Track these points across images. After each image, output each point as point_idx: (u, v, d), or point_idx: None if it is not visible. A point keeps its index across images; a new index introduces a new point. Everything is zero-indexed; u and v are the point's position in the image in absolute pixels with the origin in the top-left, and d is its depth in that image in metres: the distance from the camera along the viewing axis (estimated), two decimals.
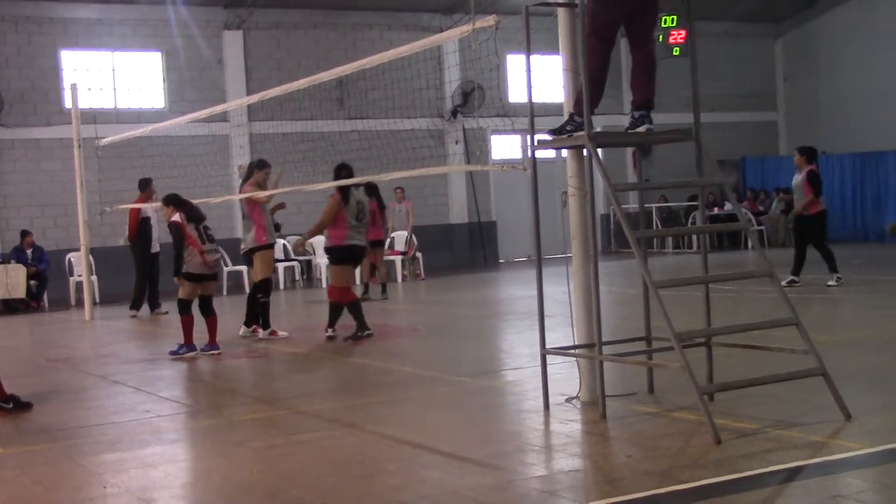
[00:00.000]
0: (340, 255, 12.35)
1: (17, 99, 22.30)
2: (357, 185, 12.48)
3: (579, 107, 7.36)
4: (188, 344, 11.62)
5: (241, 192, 13.19)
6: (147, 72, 23.82)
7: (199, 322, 11.76)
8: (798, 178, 15.37)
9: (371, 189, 17.80)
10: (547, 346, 7.71)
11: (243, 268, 20.95)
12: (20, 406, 8.56)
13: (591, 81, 7.21)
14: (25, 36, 22.58)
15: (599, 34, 7.35)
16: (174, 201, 11.96)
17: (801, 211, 15.28)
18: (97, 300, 18.89)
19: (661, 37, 20.62)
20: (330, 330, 12.33)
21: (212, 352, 11.64)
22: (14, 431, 7.98)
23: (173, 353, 11.62)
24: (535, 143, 7.80)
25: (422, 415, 7.88)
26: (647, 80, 7.60)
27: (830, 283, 15.00)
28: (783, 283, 14.91)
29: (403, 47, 9.65)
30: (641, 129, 7.50)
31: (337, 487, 5.81)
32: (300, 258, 22.56)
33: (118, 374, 10.75)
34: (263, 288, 12.79)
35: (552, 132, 7.49)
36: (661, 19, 21.03)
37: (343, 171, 12.49)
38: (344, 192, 12.25)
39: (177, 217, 11.73)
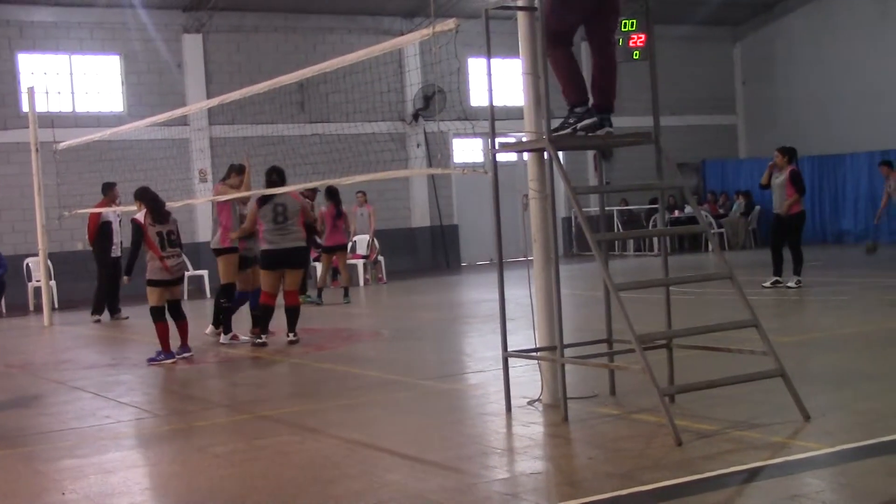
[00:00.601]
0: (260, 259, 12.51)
1: None
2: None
3: (573, 97, 7.42)
4: (166, 351, 11.49)
5: (214, 193, 13.10)
6: (105, 75, 23.61)
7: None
8: (779, 178, 15.45)
9: (331, 193, 17.78)
10: (509, 349, 7.72)
11: (205, 272, 20.93)
12: None
13: (566, 73, 7.24)
14: None
15: (558, 38, 7.38)
16: (141, 196, 11.84)
17: (785, 211, 15.35)
18: (56, 305, 18.70)
19: (620, 40, 20.84)
20: (262, 336, 12.38)
21: (184, 354, 11.59)
22: None
23: (151, 359, 11.49)
24: (496, 147, 7.83)
25: (384, 418, 7.87)
26: (608, 83, 7.64)
27: (790, 284, 15.12)
28: (767, 284, 15.15)
29: (364, 50, 9.63)
30: (601, 132, 7.54)
31: (299, 492, 5.80)
32: None
33: (77, 379, 10.65)
34: (226, 292, 12.71)
35: (556, 129, 7.43)
36: (620, 23, 21.24)
37: (272, 174, 12.52)
38: (263, 196, 12.30)
39: (139, 216, 11.65)
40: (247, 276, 12.90)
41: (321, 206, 18.13)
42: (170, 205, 12.74)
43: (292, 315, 12.37)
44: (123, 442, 7.61)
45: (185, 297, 19.42)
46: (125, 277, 11.69)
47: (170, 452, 7.12)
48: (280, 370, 10.96)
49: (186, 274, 20.00)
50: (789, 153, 15.66)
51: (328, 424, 7.58)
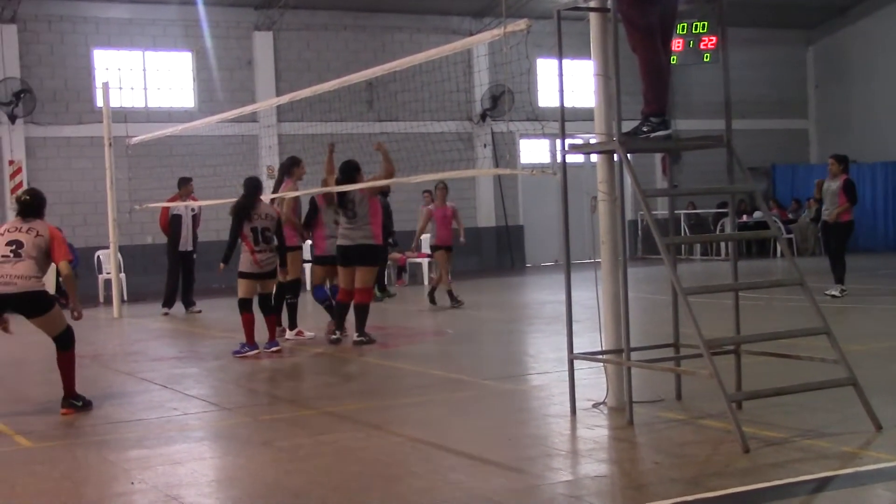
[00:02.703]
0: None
1: (50, 97, 22.46)
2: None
3: (652, 107, 7.35)
4: (250, 343, 11.65)
5: (280, 191, 13.15)
6: (178, 71, 23.95)
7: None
8: (832, 186, 15.28)
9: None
10: (574, 351, 7.69)
11: None
12: (87, 404, 8.60)
13: (655, 74, 7.19)
14: (58, 35, 22.75)
15: (641, 29, 7.29)
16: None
17: (834, 219, 15.18)
18: (125, 298, 18.99)
19: (691, 42, 20.62)
20: (337, 332, 12.36)
21: (272, 349, 11.70)
22: (43, 426, 8.03)
23: (236, 352, 11.65)
24: (566, 148, 7.79)
25: (448, 417, 7.88)
26: (665, 85, 7.56)
27: (834, 293, 14.86)
28: (834, 293, 14.91)
29: (434, 50, 9.64)
30: (661, 133, 7.45)
31: (363, 489, 5.81)
32: None
33: (146, 371, 10.81)
34: (292, 288, 12.81)
35: (627, 134, 7.38)
36: (692, 25, 20.98)
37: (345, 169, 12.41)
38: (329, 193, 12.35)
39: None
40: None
41: (429, 206, 17.83)
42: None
43: (360, 313, 12.18)
44: (190, 434, 7.70)
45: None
46: (221, 264, 11.94)
47: (235, 445, 7.19)
48: (345, 367, 11.01)
49: None
50: (843, 161, 15.49)
51: (392, 422, 7.60)
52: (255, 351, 11.57)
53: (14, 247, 8.41)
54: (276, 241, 11.79)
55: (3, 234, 8.53)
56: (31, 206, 8.77)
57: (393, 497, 5.62)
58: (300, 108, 20.49)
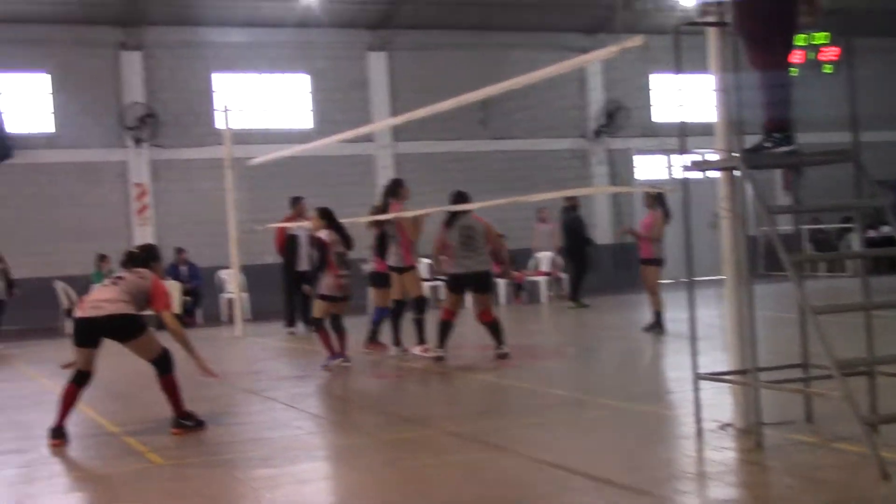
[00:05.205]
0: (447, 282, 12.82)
1: (172, 121, 23.09)
2: (465, 211, 12.48)
3: (774, 122, 7.23)
4: (333, 354, 12.27)
5: (389, 212, 13.25)
6: (295, 93, 24.40)
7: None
8: None
9: (660, 200, 14.89)
10: (698, 371, 7.56)
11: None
12: (198, 424, 8.64)
13: (775, 88, 7.07)
14: (180, 60, 23.40)
15: (759, 42, 7.17)
16: (327, 216, 12.47)
17: None
18: (248, 316, 19.33)
19: (811, 54, 20.20)
20: (438, 350, 12.48)
21: (340, 361, 12.26)
22: (172, 443, 8.20)
23: (324, 365, 12.23)
24: (688, 165, 7.69)
25: (571, 438, 7.82)
26: (787, 99, 7.40)
27: None
28: None
29: (549, 68, 9.57)
30: (785, 149, 7.30)
31: None
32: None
33: (269, 389, 10.98)
34: (418, 306, 12.97)
35: (749, 150, 7.26)
36: (811, 36, 20.47)
37: (457, 198, 12.69)
38: (449, 218, 12.46)
39: (324, 235, 12.12)
40: (385, 293, 13.40)
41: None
42: (355, 221, 13.11)
43: (494, 330, 12.38)
44: (315, 453, 7.80)
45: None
46: (305, 287, 12.40)
47: (360, 465, 7.23)
48: (463, 386, 11.03)
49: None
50: None
51: (515, 442, 7.57)
52: (339, 360, 12.22)
53: (114, 279, 8.60)
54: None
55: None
56: (138, 257, 8.84)
57: None
58: (415, 128, 20.65)
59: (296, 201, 18.12)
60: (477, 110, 23.25)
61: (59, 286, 20.29)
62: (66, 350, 9.22)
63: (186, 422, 8.59)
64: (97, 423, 9.40)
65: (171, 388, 8.58)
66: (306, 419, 9.14)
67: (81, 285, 20.37)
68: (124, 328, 8.33)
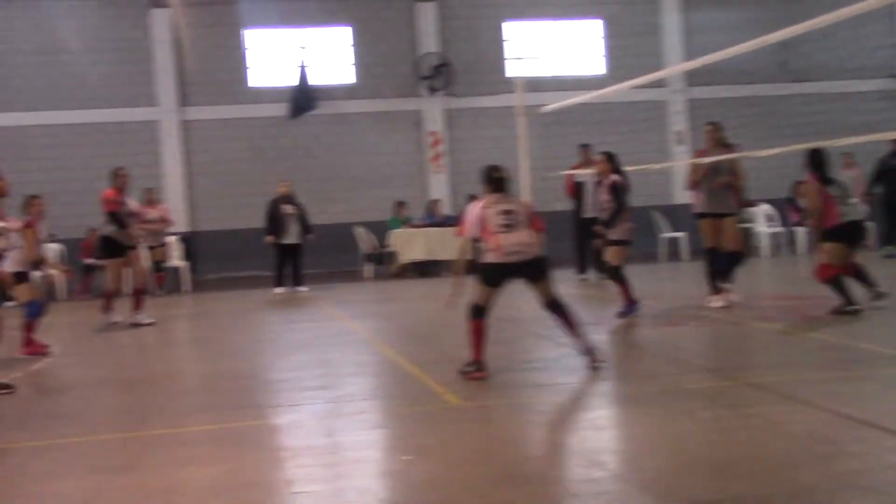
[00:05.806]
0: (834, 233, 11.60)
1: (465, 70, 23.51)
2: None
3: None
4: (629, 303, 12.09)
5: (698, 157, 12.97)
6: (587, 39, 24.27)
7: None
8: None
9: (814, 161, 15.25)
10: None
11: (680, 234, 20.95)
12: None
13: None
14: (472, 9, 23.79)
15: None
16: (612, 160, 12.44)
17: None
18: None
19: None
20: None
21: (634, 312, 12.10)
22: (475, 386, 8.31)
23: (620, 312, 12.15)
24: None
25: (883, 394, 7.39)
26: None
27: None
28: None
29: (856, 5, 8.95)
30: None
31: (793, 465, 5.56)
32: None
33: (562, 336, 10.98)
34: (737, 259, 12.73)
35: None
36: None
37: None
38: (822, 175, 11.60)
39: (617, 177, 12.20)
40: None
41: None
42: (648, 167, 12.91)
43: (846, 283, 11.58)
44: (609, 400, 7.77)
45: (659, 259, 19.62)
46: (598, 228, 12.30)
47: (656, 413, 7.10)
48: (767, 338, 10.62)
49: (661, 236, 20.36)
50: None
51: (820, 396, 7.21)
52: (635, 309, 12.05)
53: (508, 212, 8.64)
54: None
55: (489, 207, 8.70)
56: (508, 181, 8.99)
57: (827, 477, 5.33)
58: (709, 72, 20.03)
59: (582, 148, 18.10)
60: (776, 53, 22.28)
61: (359, 231, 21.20)
62: (362, 292, 9.55)
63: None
64: (397, 363, 9.75)
65: (571, 323, 8.91)
66: (599, 368, 9.10)
67: (379, 231, 21.26)
68: (543, 269, 8.77)
